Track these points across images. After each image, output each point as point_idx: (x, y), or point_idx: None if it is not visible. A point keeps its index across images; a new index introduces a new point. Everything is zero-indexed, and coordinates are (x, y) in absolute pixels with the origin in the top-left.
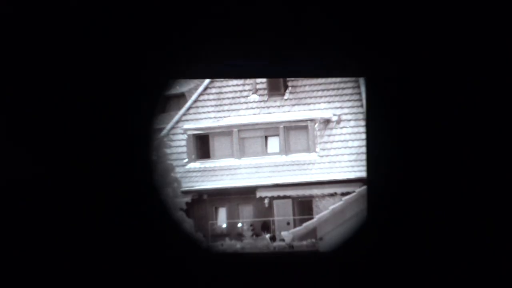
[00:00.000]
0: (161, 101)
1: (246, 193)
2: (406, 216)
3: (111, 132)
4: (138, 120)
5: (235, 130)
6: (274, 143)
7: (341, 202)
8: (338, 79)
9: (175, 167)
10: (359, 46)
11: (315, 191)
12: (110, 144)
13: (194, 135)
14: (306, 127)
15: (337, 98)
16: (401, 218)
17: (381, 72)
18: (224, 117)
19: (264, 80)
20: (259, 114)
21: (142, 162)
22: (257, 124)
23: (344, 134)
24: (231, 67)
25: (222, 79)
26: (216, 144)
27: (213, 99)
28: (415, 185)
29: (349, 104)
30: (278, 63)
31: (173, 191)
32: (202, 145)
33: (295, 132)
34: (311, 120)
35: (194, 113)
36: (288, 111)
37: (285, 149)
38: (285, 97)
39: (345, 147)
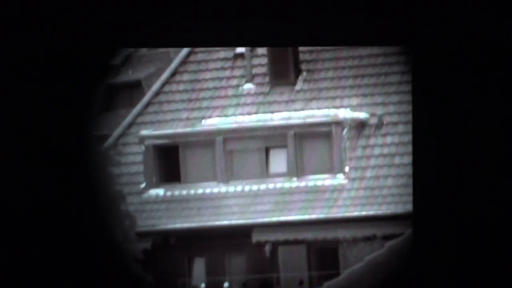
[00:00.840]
0: (103, 90)
1: (237, 236)
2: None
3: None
4: (65, 122)
5: (219, 138)
6: (279, 159)
7: (382, 251)
8: (379, 60)
9: (127, 195)
10: (401, 4)
11: (343, 233)
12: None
13: (155, 146)
14: (329, 134)
15: (377, 89)
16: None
17: (434, 40)
18: (203, 118)
19: (264, 61)
20: (256, 113)
21: (72, 188)
22: (253, 129)
23: (388, 144)
24: (216, 32)
25: (200, 59)
26: (189, 161)
27: (185, 91)
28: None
29: (396, 98)
30: (289, 26)
31: (124, 232)
32: (168, 162)
33: (311, 142)
34: (337, 123)
35: (156, 112)
36: (302, 109)
37: (297, 169)
38: (297, 87)
39: (390, 165)
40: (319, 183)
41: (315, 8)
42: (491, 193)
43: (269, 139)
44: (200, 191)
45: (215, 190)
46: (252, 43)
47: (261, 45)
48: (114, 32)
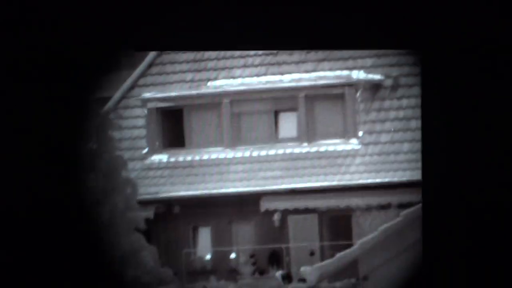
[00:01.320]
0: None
1: (244, 205)
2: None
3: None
4: (65, 122)
5: (226, 101)
6: (289, 123)
7: (398, 219)
8: None
9: (128, 161)
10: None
11: (356, 202)
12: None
13: (158, 109)
14: (341, 97)
15: (391, 50)
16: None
17: (445, 44)
18: (208, 79)
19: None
20: (264, 74)
21: (70, 154)
22: (261, 91)
23: (404, 108)
24: (219, 35)
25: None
26: (194, 125)
27: (190, 51)
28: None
29: (412, 58)
30: (302, 29)
31: (125, 200)
32: (172, 126)
33: (323, 105)
34: (350, 85)
35: (159, 74)
36: (313, 70)
37: (307, 133)
38: None
39: (405, 130)
40: (331, 148)
41: (328, 13)
42: (500, 175)
43: (278, 101)
44: (205, 156)
45: (221, 155)
46: (260, 46)
47: (269, 48)
48: (114, 32)
